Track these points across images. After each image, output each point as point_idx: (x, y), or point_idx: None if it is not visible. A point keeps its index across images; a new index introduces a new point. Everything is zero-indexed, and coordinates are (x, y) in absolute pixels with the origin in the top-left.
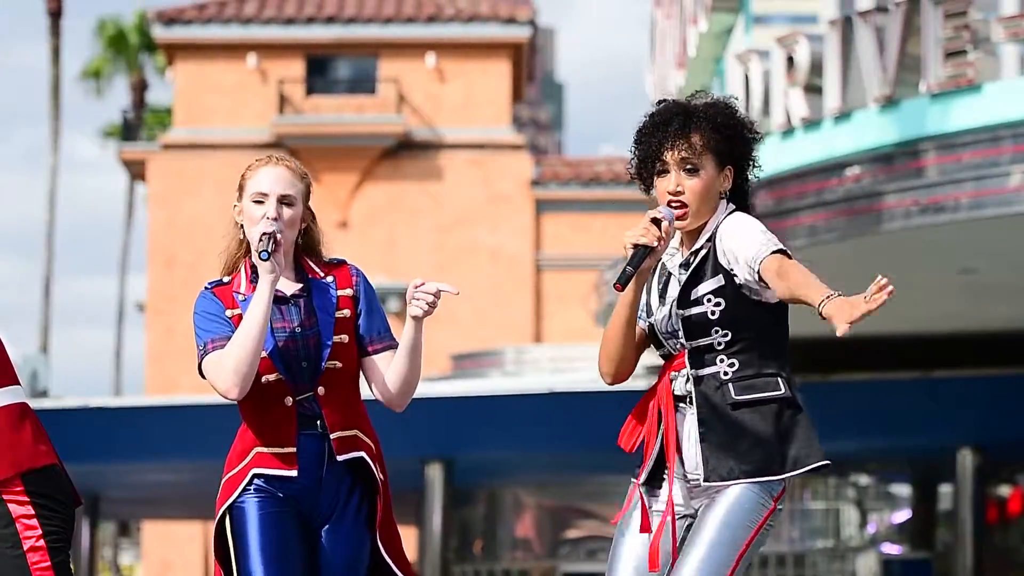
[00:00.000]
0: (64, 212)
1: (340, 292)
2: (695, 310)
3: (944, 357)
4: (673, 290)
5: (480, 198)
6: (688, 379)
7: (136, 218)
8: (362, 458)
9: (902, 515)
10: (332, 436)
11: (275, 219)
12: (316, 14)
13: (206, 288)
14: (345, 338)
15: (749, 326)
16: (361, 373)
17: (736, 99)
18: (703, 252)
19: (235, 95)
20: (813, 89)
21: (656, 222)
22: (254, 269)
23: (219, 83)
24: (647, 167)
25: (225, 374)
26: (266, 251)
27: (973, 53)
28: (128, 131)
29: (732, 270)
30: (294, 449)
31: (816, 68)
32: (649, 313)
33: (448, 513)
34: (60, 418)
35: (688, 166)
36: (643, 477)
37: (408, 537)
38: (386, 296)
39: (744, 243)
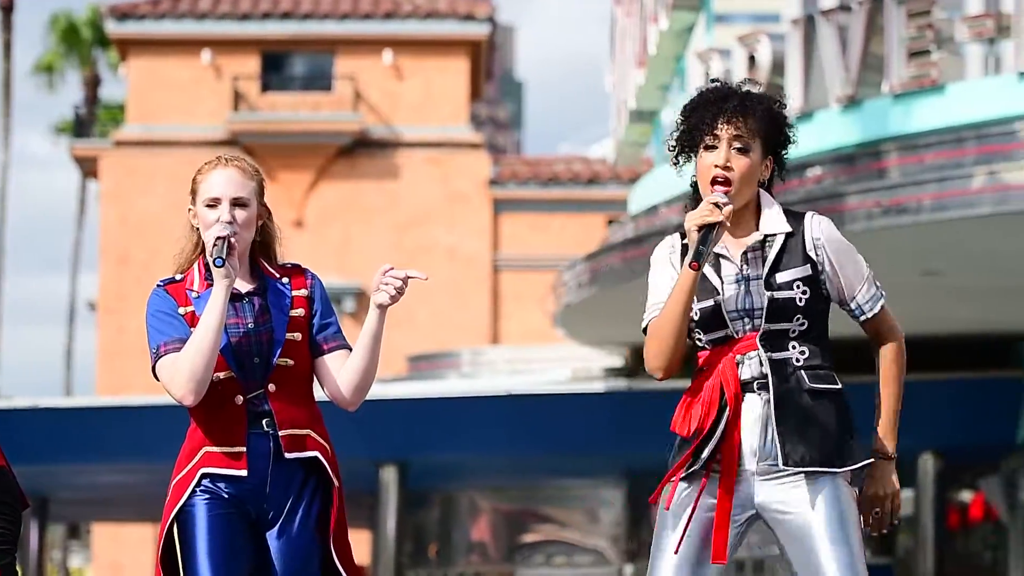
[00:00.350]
0: (15, 209)
1: (295, 292)
2: (784, 294)
3: (906, 360)
4: (728, 270)
5: (437, 197)
6: (761, 362)
7: (88, 215)
8: (315, 458)
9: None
10: (281, 433)
11: (230, 223)
12: (271, 10)
13: (159, 286)
14: (298, 336)
15: (820, 319)
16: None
17: (787, 97)
18: (781, 237)
19: (189, 91)
20: (775, 88)
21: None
22: (207, 267)
23: (173, 79)
24: (694, 138)
25: (180, 380)
26: (220, 258)
27: (937, 53)
28: (80, 127)
29: (821, 265)
30: (244, 448)
31: (778, 67)
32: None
33: (402, 517)
34: (9, 418)
35: (739, 144)
36: (699, 465)
37: (362, 541)
38: (341, 296)
39: (853, 270)
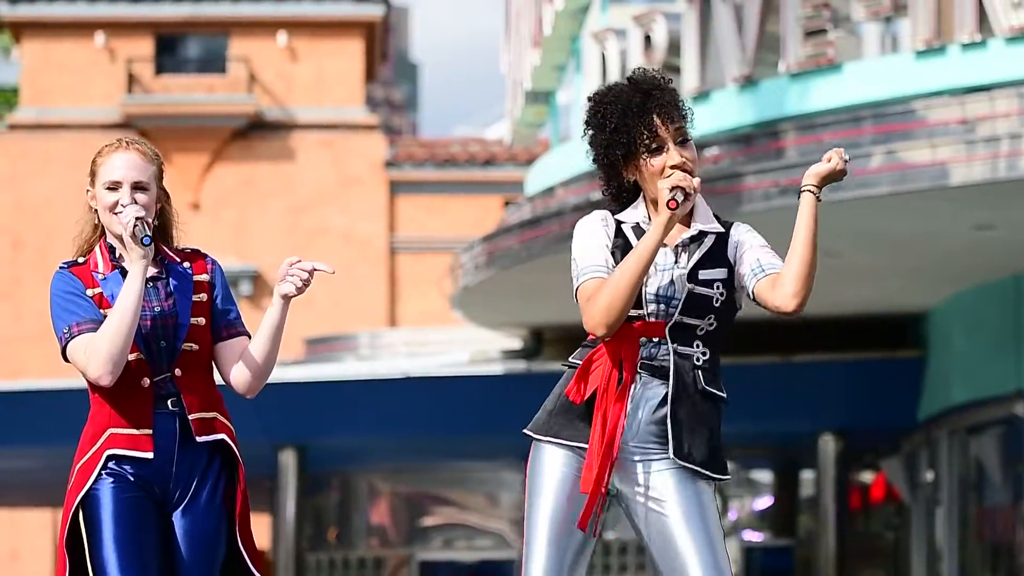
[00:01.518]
0: None
1: (196, 277)
2: (704, 290)
3: (805, 341)
4: (659, 257)
5: (333, 179)
6: (667, 351)
7: None
8: (222, 441)
9: (764, 502)
10: (191, 417)
11: (129, 204)
12: None
13: (62, 268)
14: (202, 321)
15: (725, 327)
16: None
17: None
18: (712, 237)
19: (83, 74)
20: (671, 68)
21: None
22: (111, 249)
23: (66, 62)
24: (631, 147)
25: (99, 360)
26: (148, 236)
27: (833, 32)
28: None
29: (736, 264)
30: (150, 431)
31: (674, 47)
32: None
33: (302, 500)
34: None
35: (683, 137)
36: (599, 443)
37: (261, 524)
38: (238, 279)
39: (761, 249)
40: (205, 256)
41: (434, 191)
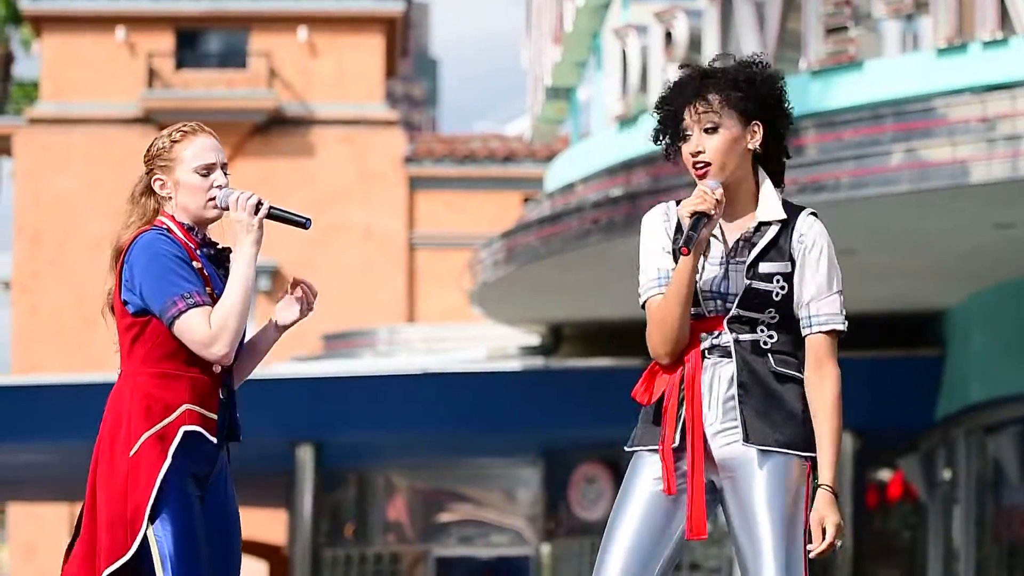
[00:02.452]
0: None
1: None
2: (763, 284)
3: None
4: (714, 252)
5: (352, 175)
6: (727, 340)
7: (1, 194)
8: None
9: None
10: (239, 413)
11: (223, 187)
12: None
13: (162, 232)
14: None
15: (792, 315)
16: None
17: (764, 55)
18: (774, 228)
19: (103, 68)
20: (691, 65)
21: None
22: (190, 230)
23: (87, 56)
24: (670, 137)
25: (230, 337)
26: (276, 208)
27: (854, 29)
28: None
29: (796, 263)
30: (216, 417)
31: (695, 44)
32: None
33: (319, 496)
34: None
35: (708, 125)
36: (676, 441)
37: (278, 521)
38: (256, 274)
39: (820, 279)
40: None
41: (454, 187)
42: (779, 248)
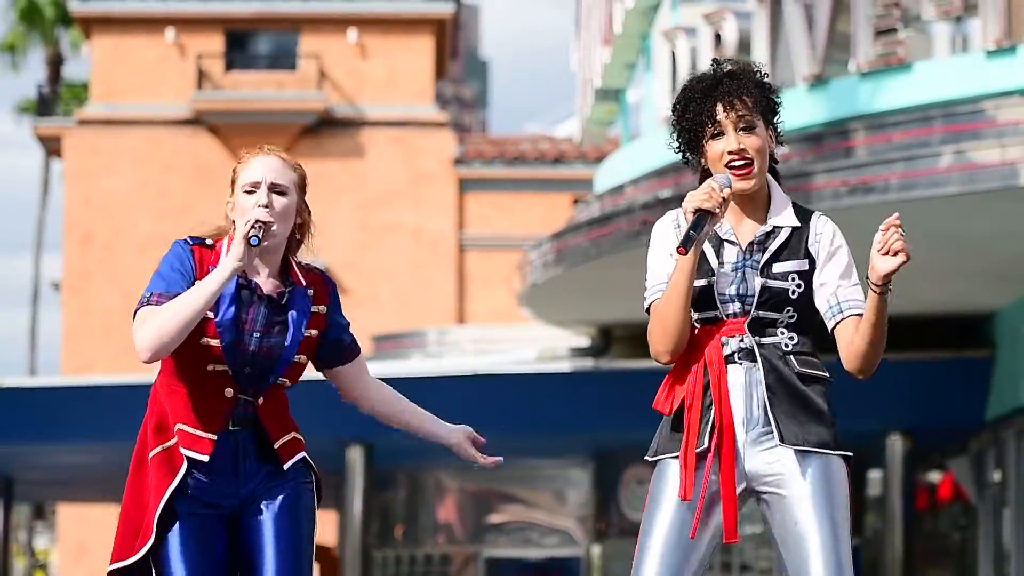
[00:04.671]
0: None
1: (315, 308)
2: (778, 283)
3: None
4: (729, 255)
5: (403, 176)
6: (748, 342)
7: (52, 195)
8: (303, 459)
9: None
10: (277, 445)
11: (266, 206)
12: None
13: (187, 242)
14: (303, 359)
15: (811, 315)
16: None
17: (763, 65)
18: (787, 230)
19: (153, 70)
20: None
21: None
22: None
23: (137, 57)
24: (697, 133)
25: (146, 335)
26: (256, 236)
27: (903, 31)
28: (44, 106)
29: (817, 261)
30: (215, 437)
31: (744, 46)
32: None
33: (369, 497)
34: None
35: (744, 125)
36: (699, 446)
37: (328, 521)
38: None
39: (843, 270)
40: (326, 280)
41: (503, 188)
42: (792, 248)
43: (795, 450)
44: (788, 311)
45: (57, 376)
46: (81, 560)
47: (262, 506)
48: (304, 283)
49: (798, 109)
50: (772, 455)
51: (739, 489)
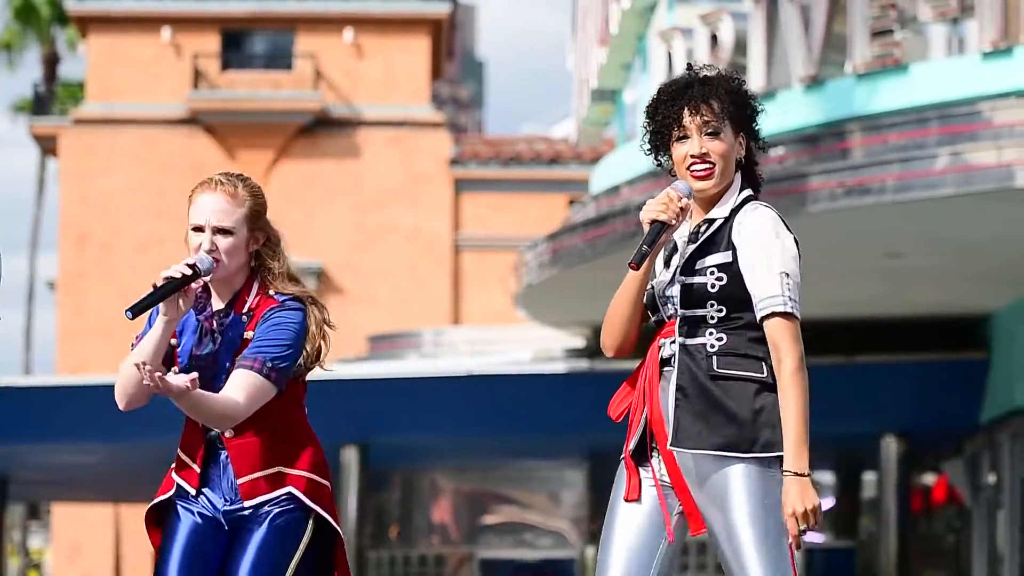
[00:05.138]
0: None
1: (246, 334)
2: (696, 279)
3: (868, 342)
4: (678, 258)
5: (399, 177)
6: (676, 347)
7: (47, 194)
8: (283, 496)
9: (826, 503)
10: (239, 481)
11: (210, 251)
12: None
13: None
14: None
15: (745, 307)
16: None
17: (742, 75)
18: (717, 223)
19: (149, 69)
20: (737, 68)
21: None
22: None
23: (133, 57)
24: (664, 136)
25: (116, 388)
26: (170, 285)
27: (900, 33)
28: (39, 105)
29: (741, 253)
30: (198, 468)
31: (740, 47)
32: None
33: (363, 498)
34: None
35: (709, 130)
36: (631, 445)
37: None
38: (301, 276)
39: (764, 264)
40: (273, 306)
41: (499, 189)
42: (719, 241)
43: (710, 454)
44: (712, 305)
45: (52, 376)
46: (75, 560)
47: (248, 527)
48: (246, 309)
49: (794, 110)
50: (686, 459)
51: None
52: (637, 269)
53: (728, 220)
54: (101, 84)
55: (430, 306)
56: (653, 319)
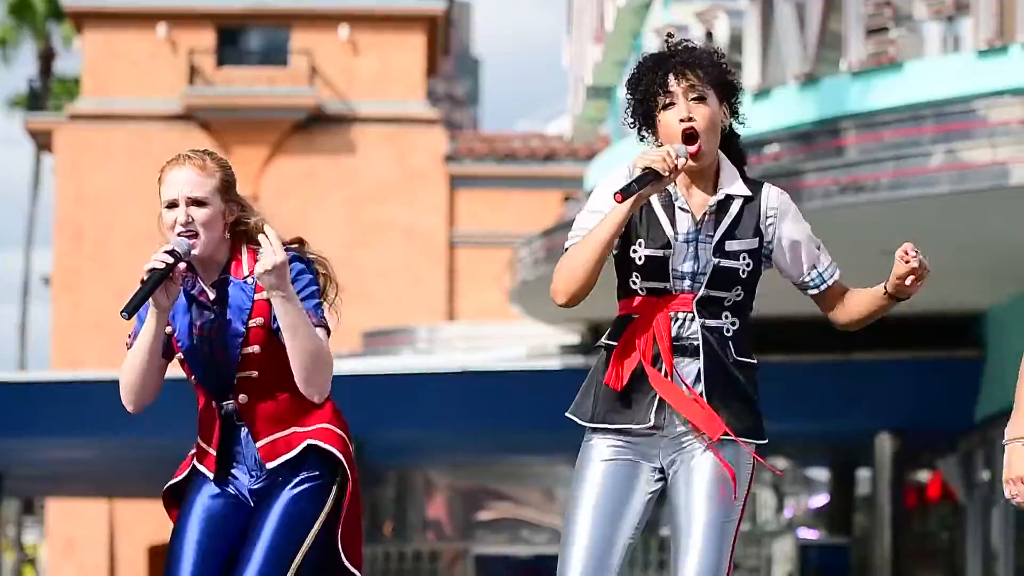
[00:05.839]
0: None
1: (258, 296)
2: (730, 263)
3: (864, 340)
4: (683, 226)
5: (394, 173)
6: (695, 326)
7: (42, 190)
8: (310, 447)
9: (820, 500)
10: (258, 444)
11: (186, 223)
12: None
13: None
14: (256, 349)
15: (753, 293)
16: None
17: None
18: (738, 204)
19: (144, 65)
20: (732, 65)
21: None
22: (190, 267)
23: (128, 52)
24: (650, 106)
25: (121, 389)
26: (157, 274)
27: (895, 31)
28: (34, 101)
29: (770, 239)
30: (215, 451)
31: (736, 44)
32: (631, 243)
33: None
34: None
35: (695, 94)
36: (648, 420)
37: None
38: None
39: (811, 241)
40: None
41: (494, 186)
42: (744, 225)
43: (720, 440)
44: (736, 290)
45: (47, 371)
46: (69, 555)
47: (272, 492)
48: (246, 274)
49: (789, 108)
50: (698, 442)
51: (656, 476)
52: (622, 201)
53: (749, 201)
54: (96, 80)
55: (425, 302)
56: (641, 285)
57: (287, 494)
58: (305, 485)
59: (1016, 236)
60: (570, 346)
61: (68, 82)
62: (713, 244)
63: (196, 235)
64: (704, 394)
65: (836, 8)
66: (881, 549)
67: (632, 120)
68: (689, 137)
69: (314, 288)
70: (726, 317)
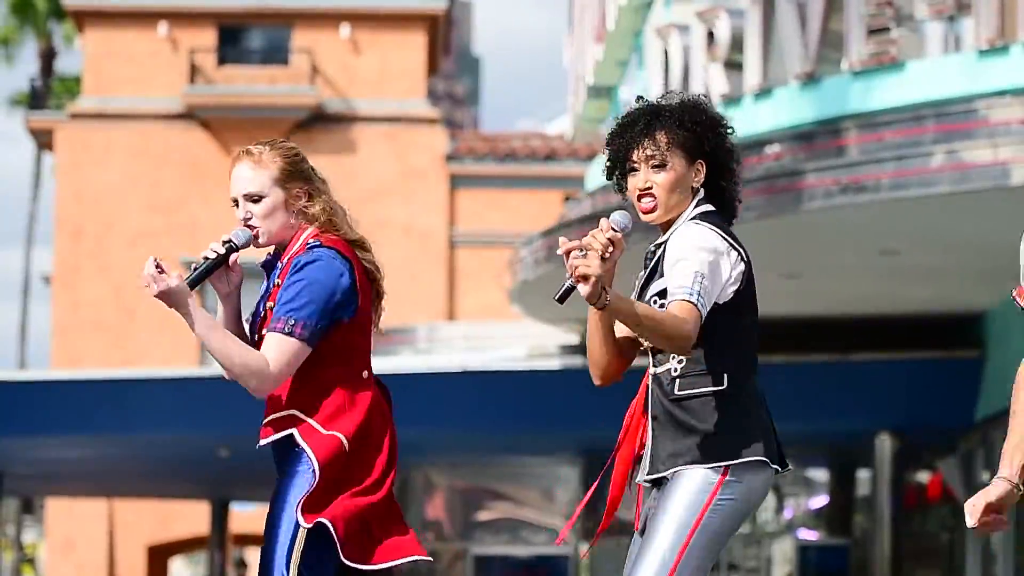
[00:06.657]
0: None
1: (277, 281)
2: None
3: (863, 340)
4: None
5: (394, 172)
6: (649, 376)
7: (43, 188)
8: (287, 437)
9: (819, 500)
10: (263, 422)
11: (247, 219)
12: None
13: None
14: (267, 332)
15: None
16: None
17: (707, 96)
18: (661, 250)
19: (145, 64)
20: (733, 65)
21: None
22: (275, 251)
23: (129, 51)
24: (619, 169)
25: (224, 361)
26: (206, 265)
27: (896, 30)
28: (35, 99)
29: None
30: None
31: (737, 44)
32: None
33: None
34: None
35: (655, 163)
36: (641, 476)
37: None
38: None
39: (679, 265)
40: (305, 254)
41: (495, 185)
42: (659, 268)
43: (671, 472)
44: None
45: (47, 370)
46: (69, 555)
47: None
48: (285, 259)
49: (790, 107)
50: (661, 487)
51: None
52: (561, 303)
53: (663, 244)
54: (97, 79)
55: (425, 302)
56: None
57: (280, 480)
58: (286, 476)
59: (1017, 236)
60: (570, 346)
61: (69, 81)
62: (636, 294)
63: (255, 229)
64: (654, 436)
65: (837, 8)
66: (880, 549)
67: (610, 176)
68: (645, 203)
69: (304, 300)
70: (673, 358)
